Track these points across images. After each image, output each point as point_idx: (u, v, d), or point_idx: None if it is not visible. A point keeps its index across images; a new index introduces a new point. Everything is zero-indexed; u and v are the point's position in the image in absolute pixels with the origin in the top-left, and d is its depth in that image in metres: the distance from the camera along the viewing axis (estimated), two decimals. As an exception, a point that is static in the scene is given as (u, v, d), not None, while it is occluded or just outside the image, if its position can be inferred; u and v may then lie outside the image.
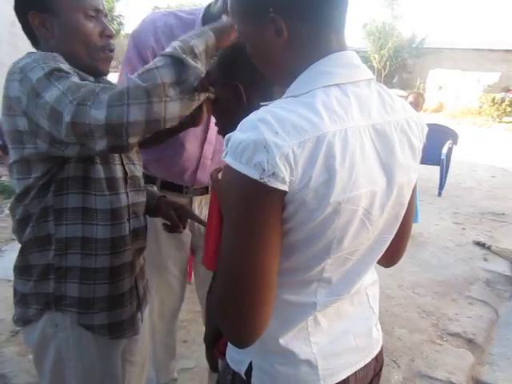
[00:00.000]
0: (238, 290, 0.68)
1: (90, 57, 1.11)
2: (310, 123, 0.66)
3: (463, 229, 4.59)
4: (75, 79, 0.97)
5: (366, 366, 0.88)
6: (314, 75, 0.73)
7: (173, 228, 1.40)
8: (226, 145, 0.68)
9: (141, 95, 0.93)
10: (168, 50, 1.01)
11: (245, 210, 0.67)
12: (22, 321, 1.18)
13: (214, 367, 1.19)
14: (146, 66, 0.99)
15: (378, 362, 0.93)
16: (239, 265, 0.67)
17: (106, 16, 1.16)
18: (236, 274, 0.68)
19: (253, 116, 0.68)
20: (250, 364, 0.81)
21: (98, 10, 1.12)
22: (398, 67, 21.02)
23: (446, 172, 5.84)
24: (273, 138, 0.63)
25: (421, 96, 4.54)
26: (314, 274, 0.77)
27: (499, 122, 14.01)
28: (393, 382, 2.25)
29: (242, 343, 0.72)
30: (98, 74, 1.17)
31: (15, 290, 1.19)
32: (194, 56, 1.02)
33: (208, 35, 1.06)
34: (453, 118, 14.65)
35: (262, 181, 0.63)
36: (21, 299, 1.17)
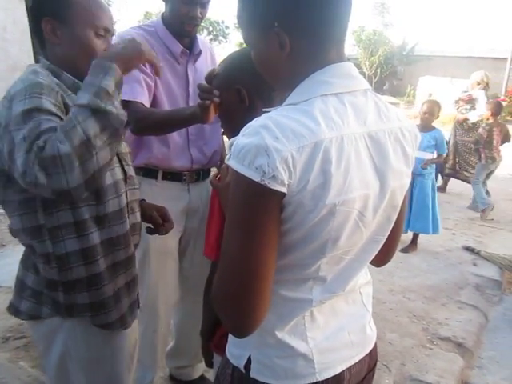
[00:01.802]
0: (237, 284, 0.72)
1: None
2: (308, 130, 0.70)
3: (453, 234, 4.63)
4: (45, 125, 0.96)
5: (360, 361, 0.92)
6: (313, 84, 0.77)
7: (155, 230, 1.45)
8: (230, 148, 0.72)
9: (73, 160, 0.93)
10: (83, 100, 0.98)
11: (245, 210, 0.71)
12: (30, 315, 1.20)
13: (209, 362, 1.22)
14: (67, 122, 0.96)
15: (371, 358, 0.96)
16: (238, 260, 0.71)
17: (112, 35, 1.21)
18: (235, 269, 0.72)
19: (255, 122, 0.72)
20: (249, 358, 0.84)
21: (107, 30, 1.18)
22: (389, 74, 21.23)
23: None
24: (273, 143, 0.67)
25: (436, 105, 4.03)
26: (311, 272, 0.80)
27: (488, 128, 14.15)
28: (383, 387, 2.26)
29: (240, 333, 0.76)
30: None
31: (23, 282, 1.20)
32: (109, 97, 1.00)
33: (114, 71, 1.04)
34: (442, 124, 14.79)
35: (262, 183, 0.67)
36: (33, 295, 1.19)
